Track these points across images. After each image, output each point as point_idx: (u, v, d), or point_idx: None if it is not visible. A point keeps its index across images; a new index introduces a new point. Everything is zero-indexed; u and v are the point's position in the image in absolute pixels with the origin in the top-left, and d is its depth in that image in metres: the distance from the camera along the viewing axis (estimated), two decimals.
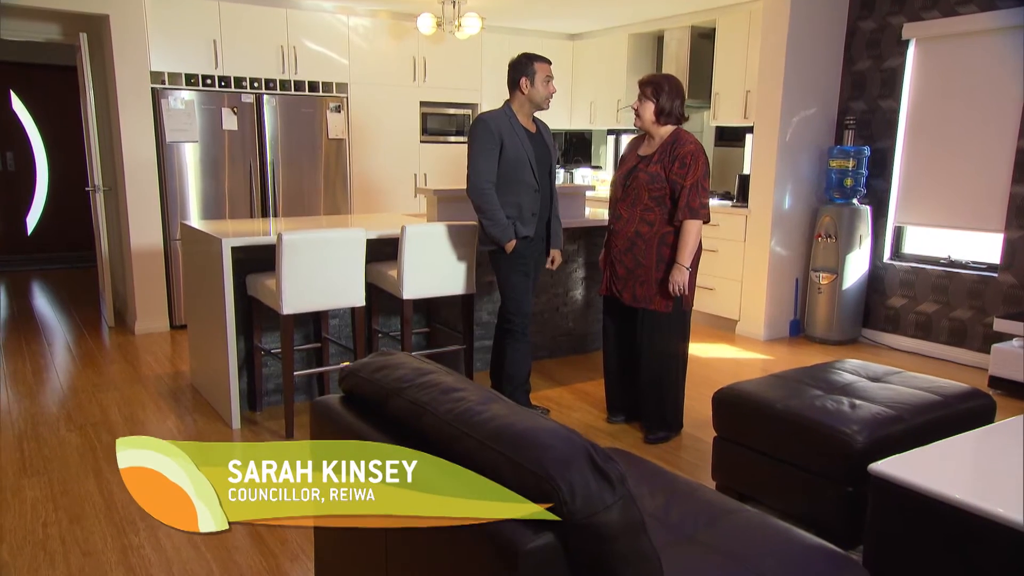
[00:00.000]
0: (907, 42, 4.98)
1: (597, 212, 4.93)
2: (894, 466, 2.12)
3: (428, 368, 1.65)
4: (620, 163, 3.54)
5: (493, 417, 1.38)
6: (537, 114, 3.58)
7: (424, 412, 1.48)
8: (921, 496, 2.03)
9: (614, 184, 3.48)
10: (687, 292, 3.37)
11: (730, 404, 2.86)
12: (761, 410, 2.72)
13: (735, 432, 2.86)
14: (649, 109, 3.32)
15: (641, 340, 3.48)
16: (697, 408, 3.94)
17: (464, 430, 1.38)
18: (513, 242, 3.45)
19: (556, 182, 3.69)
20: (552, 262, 3.71)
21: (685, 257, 3.30)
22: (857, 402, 2.66)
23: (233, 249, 3.58)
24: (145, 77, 5.13)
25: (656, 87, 3.29)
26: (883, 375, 3.01)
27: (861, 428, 2.47)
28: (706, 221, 3.37)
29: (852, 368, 3.11)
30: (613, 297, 3.55)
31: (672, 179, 3.29)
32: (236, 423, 3.65)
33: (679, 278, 3.31)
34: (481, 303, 4.46)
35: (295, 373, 3.57)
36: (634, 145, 3.52)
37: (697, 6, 5.86)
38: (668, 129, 3.35)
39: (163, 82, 5.24)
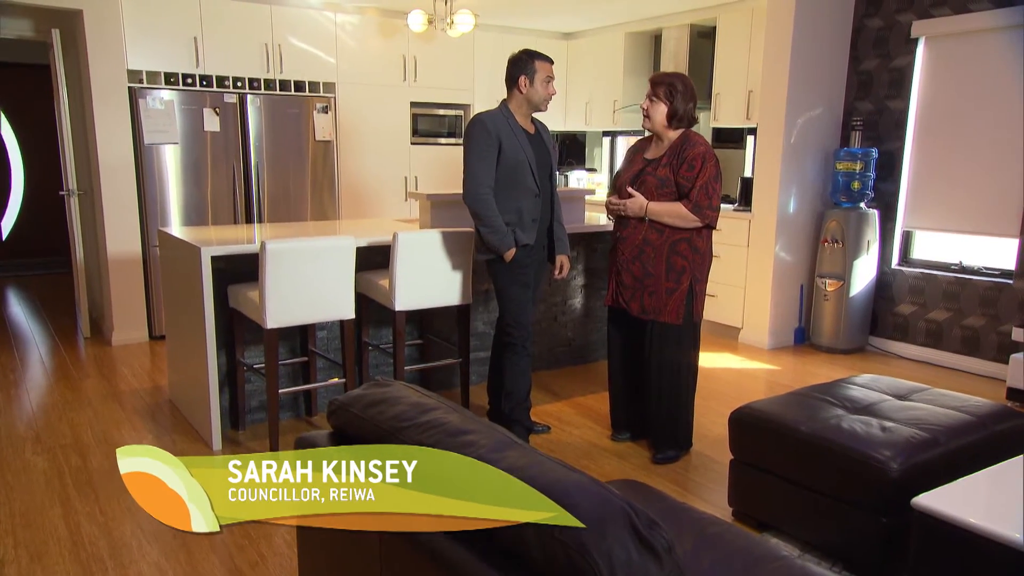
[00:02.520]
0: (916, 40, 4.81)
1: (594, 216, 4.73)
2: (940, 500, 1.93)
3: (429, 403, 1.44)
4: (625, 165, 3.33)
5: (511, 468, 1.17)
6: (534, 114, 3.38)
7: None
8: (971, 534, 1.84)
9: (619, 189, 3.28)
10: (622, 210, 3.17)
11: (749, 426, 2.66)
12: (784, 433, 2.53)
13: (754, 456, 2.66)
14: (661, 112, 3.12)
15: (649, 354, 3.28)
16: (704, 424, 3.75)
17: None
18: (512, 250, 3.24)
19: (557, 186, 3.48)
20: (560, 269, 3.49)
21: (655, 208, 3.09)
22: (887, 424, 2.47)
23: (213, 258, 3.35)
24: (122, 76, 4.88)
25: (670, 88, 3.09)
26: (909, 392, 2.83)
27: (895, 454, 2.28)
28: (711, 226, 3.17)
29: (874, 384, 2.92)
30: (619, 308, 3.35)
31: (680, 182, 3.09)
32: (217, 443, 3.42)
33: (632, 203, 3.12)
34: (477, 313, 4.25)
35: (280, 391, 3.34)
36: (640, 147, 3.32)
37: (696, 4, 5.68)
38: (678, 132, 3.15)
39: (141, 81, 4.99)
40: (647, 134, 3.32)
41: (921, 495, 1.94)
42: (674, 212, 3.08)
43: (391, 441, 1.37)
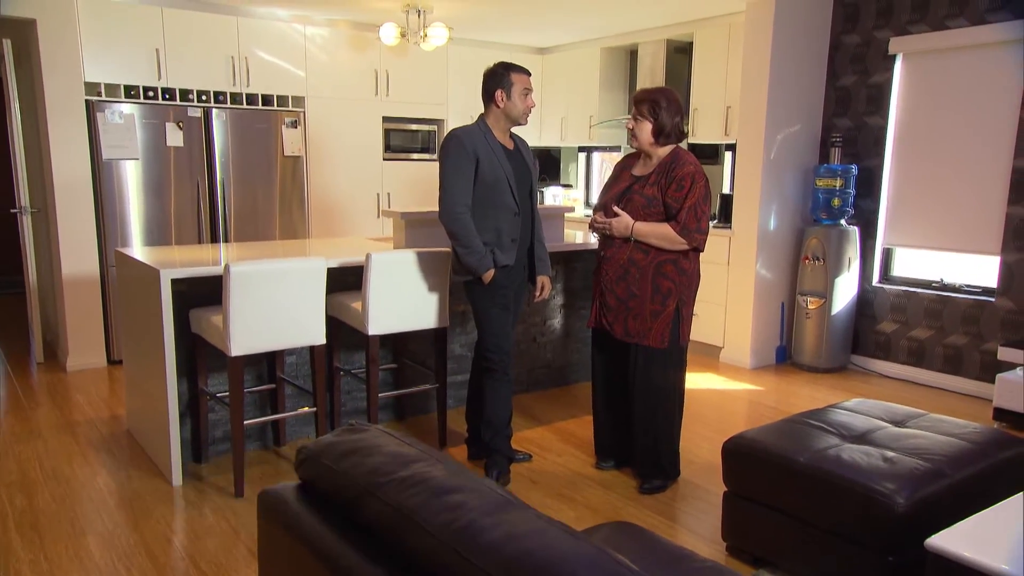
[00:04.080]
0: (894, 57, 4.79)
1: (571, 234, 4.61)
2: (955, 540, 1.81)
3: (410, 454, 1.28)
4: (611, 182, 3.21)
5: (507, 537, 1.01)
6: (513, 129, 3.25)
7: (411, 524, 1.11)
8: None
9: (604, 207, 3.15)
10: (608, 230, 3.05)
11: (743, 456, 2.53)
12: (781, 464, 2.40)
13: (749, 488, 2.53)
14: (646, 129, 3.00)
15: (634, 378, 3.15)
16: (690, 449, 3.63)
17: (467, 556, 1.01)
18: (491, 272, 3.09)
19: (538, 203, 3.35)
20: (541, 290, 3.35)
21: (642, 229, 2.98)
22: (888, 454, 2.36)
23: (174, 281, 3.15)
24: (78, 88, 4.65)
25: (653, 105, 2.98)
26: (905, 418, 2.73)
27: (900, 487, 2.16)
28: (699, 249, 3.06)
29: (868, 409, 2.82)
30: (603, 330, 3.21)
31: (668, 202, 2.98)
32: (177, 479, 3.20)
33: (618, 223, 3.00)
34: (454, 335, 4.09)
35: (246, 422, 3.14)
36: (627, 163, 3.21)
37: (673, 19, 5.62)
38: (667, 149, 3.04)
39: (99, 94, 4.77)
40: (632, 150, 3.20)
41: (935, 536, 1.82)
42: (661, 234, 2.97)
43: (368, 499, 1.20)
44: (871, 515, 2.16)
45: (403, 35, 5.31)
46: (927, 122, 4.70)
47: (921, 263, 4.92)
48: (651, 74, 5.97)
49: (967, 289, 4.62)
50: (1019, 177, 4.26)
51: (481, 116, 3.16)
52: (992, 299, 4.43)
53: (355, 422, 1.46)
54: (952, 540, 1.82)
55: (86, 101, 4.70)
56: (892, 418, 2.73)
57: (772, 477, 2.43)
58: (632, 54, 6.52)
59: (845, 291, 4.95)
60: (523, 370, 4.43)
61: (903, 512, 2.11)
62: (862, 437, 2.54)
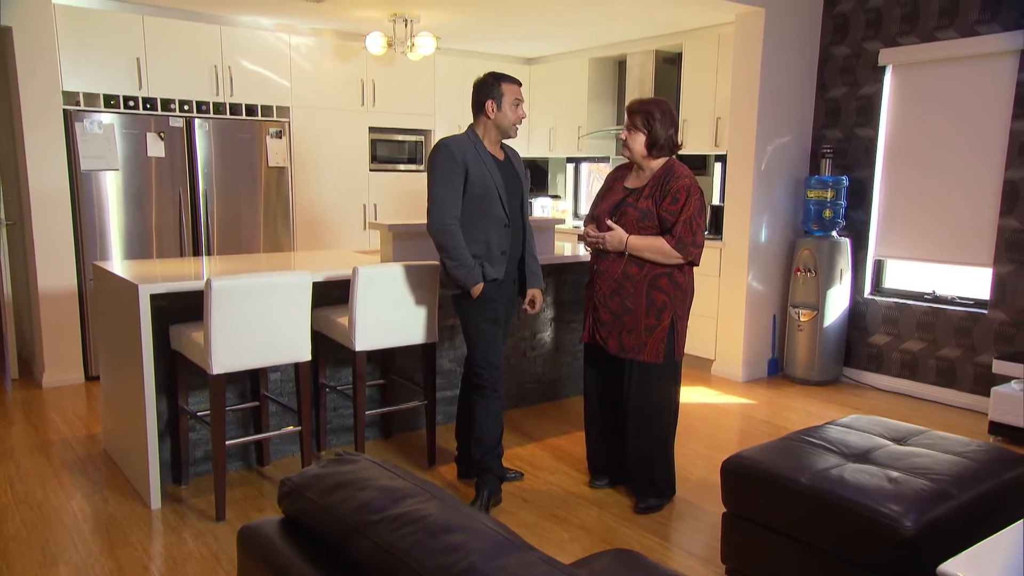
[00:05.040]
0: (883, 68, 4.78)
1: (561, 247, 4.54)
2: (968, 568, 1.75)
3: (403, 489, 1.19)
4: (603, 194, 3.15)
5: None
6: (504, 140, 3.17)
7: (404, 567, 1.02)
8: None
9: (597, 220, 3.08)
10: (601, 244, 2.98)
11: (743, 477, 2.46)
12: (783, 485, 2.33)
13: (750, 509, 2.45)
14: (640, 141, 2.94)
15: (628, 395, 3.07)
16: (684, 466, 3.56)
17: None
18: (480, 285, 3.00)
19: (529, 215, 3.27)
20: (532, 304, 3.26)
21: (636, 243, 2.91)
22: (892, 474, 2.29)
23: (153, 296, 3.05)
24: (56, 97, 4.54)
25: (647, 116, 2.92)
26: (907, 436, 2.67)
27: (907, 509, 2.09)
28: (694, 263, 3.00)
29: (867, 426, 2.76)
30: (596, 345, 3.13)
31: (663, 215, 2.91)
32: (156, 502, 3.08)
33: (612, 236, 2.93)
34: (443, 350, 4.00)
35: (227, 442, 3.03)
36: (619, 175, 3.14)
37: (661, 30, 5.59)
38: (660, 161, 2.98)
39: (78, 103, 4.65)
40: (623, 160, 3.14)
41: (947, 563, 1.75)
42: (656, 248, 2.90)
43: (357, 539, 1.11)
44: (877, 538, 2.09)
45: (390, 44, 5.24)
46: (918, 134, 4.68)
47: (913, 275, 4.90)
48: (640, 84, 5.94)
49: (959, 301, 4.59)
50: (1010, 188, 4.25)
51: (471, 126, 3.09)
52: (985, 311, 4.40)
53: (343, 451, 1.37)
54: (966, 568, 1.75)
55: (64, 110, 4.59)
56: (892, 435, 2.67)
57: (773, 498, 2.36)
58: (621, 64, 6.49)
59: (837, 303, 4.91)
60: (513, 385, 4.34)
61: (911, 536, 2.04)
62: (864, 456, 2.47)
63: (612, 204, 3.02)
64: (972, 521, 2.17)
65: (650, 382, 3.05)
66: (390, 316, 3.27)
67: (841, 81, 4.99)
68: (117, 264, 3.55)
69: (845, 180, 4.85)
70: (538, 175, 7.28)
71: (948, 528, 2.11)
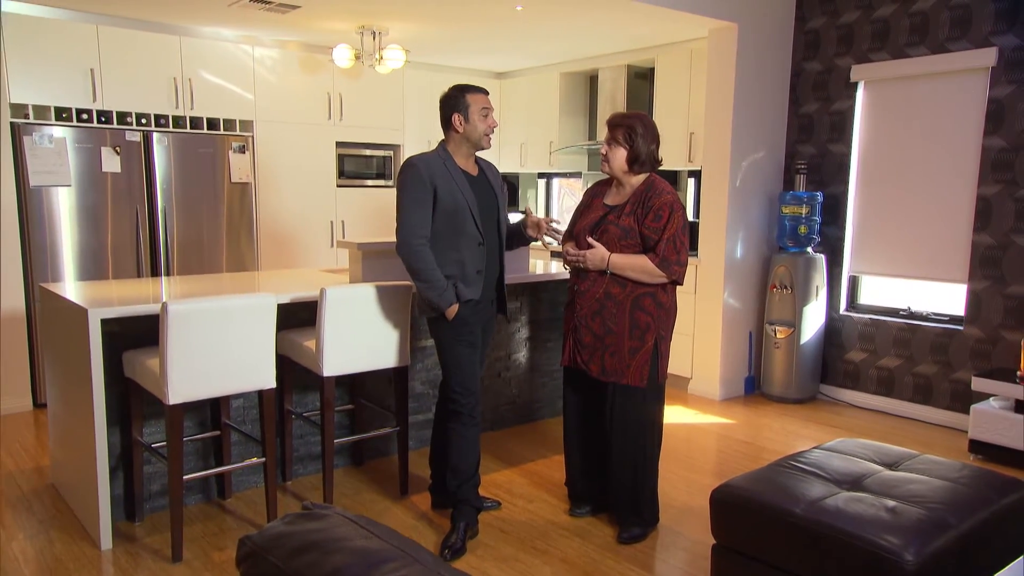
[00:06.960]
0: (856, 84, 4.78)
1: (535, 264, 4.43)
2: None
3: (381, 551, 1.05)
4: (582, 211, 3.04)
5: None
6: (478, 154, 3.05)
7: None
8: None
9: (576, 238, 2.97)
10: (581, 262, 2.87)
11: (733, 508, 2.35)
12: (776, 517, 2.22)
13: (741, 541, 2.34)
14: (621, 156, 2.84)
15: (611, 419, 2.96)
16: (667, 491, 3.45)
17: None
18: (455, 307, 2.87)
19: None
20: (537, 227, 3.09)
21: (618, 262, 2.81)
22: (889, 503, 2.20)
23: (104, 321, 2.85)
24: (2, 110, 4.31)
25: (629, 131, 2.83)
26: (898, 460, 2.59)
27: (907, 541, 2.00)
28: (678, 282, 2.90)
29: (856, 450, 2.68)
30: (577, 369, 3.01)
31: (646, 233, 2.81)
32: (107, 542, 2.87)
33: (593, 255, 2.82)
34: (415, 371, 3.85)
35: (185, 476, 2.84)
36: (598, 191, 3.04)
37: (633, 44, 5.54)
38: (641, 177, 2.89)
39: (26, 116, 4.43)
40: (602, 176, 3.04)
41: None
42: (638, 266, 2.80)
43: None
44: (878, 572, 1.99)
45: (357, 57, 5.10)
46: (890, 149, 4.68)
47: (888, 291, 4.88)
48: (612, 99, 5.88)
49: (935, 317, 4.58)
50: (984, 205, 4.25)
51: (442, 142, 2.97)
52: (960, 327, 4.38)
53: (310, 504, 1.22)
54: None
55: (11, 124, 4.36)
56: (883, 460, 2.59)
57: (766, 530, 2.25)
58: (592, 79, 6.44)
59: (813, 320, 4.87)
60: (488, 407, 4.20)
61: (912, 570, 1.94)
62: (857, 483, 2.38)
63: (592, 222, 2.91)
64: (970, 551, 2.09)
65: (634, 406, 2.93)
66: (360, 339, 3.11)
67: (814, 97, 4.98)
68: (68, 286, 3.33)
69: (819, 196, 4.83)
70: (510, 191, 7.18)
71: (950, 560, 2.03)
